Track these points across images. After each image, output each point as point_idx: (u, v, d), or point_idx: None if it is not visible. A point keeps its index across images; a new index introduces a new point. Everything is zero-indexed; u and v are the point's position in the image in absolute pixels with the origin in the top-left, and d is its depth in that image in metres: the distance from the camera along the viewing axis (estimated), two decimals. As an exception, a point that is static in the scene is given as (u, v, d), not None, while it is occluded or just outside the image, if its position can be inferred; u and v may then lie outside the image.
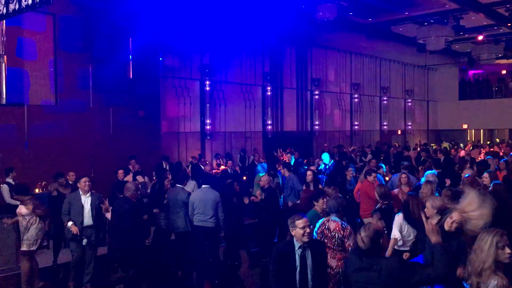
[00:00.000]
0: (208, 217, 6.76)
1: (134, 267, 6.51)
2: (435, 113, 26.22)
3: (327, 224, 4.86)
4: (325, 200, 5.53)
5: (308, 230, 3.93)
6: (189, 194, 7.26)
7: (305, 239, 3.93)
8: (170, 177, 8.59)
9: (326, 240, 4.78)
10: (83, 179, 6.61)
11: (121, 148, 11.24)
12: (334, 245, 4.77)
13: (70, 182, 8.33)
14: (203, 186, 7.11)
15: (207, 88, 14.94)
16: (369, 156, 14.20)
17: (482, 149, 16.87)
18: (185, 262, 7.32)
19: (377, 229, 3.40)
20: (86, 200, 6.55)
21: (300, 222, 3.92)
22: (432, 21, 15.15)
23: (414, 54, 19.85)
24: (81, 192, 6.57)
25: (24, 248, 6.41)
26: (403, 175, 7.77)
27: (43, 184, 9.33)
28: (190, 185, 8.57)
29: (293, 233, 3.96)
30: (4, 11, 6.60)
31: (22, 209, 6.44)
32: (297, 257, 3.95)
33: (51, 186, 8.65)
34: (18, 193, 6.81)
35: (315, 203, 5.64)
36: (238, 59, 16.00)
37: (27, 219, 6.40)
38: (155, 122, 12.83)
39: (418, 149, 16.68)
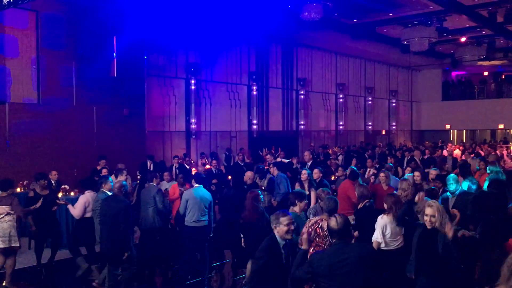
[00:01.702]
0: (203, 216, 6.92)
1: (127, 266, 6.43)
2: (419, 114, 26.53)
3: (320, 223, 4.78)
4: (306, 201, 5.51)
5: (292, 227, 3.95)
6: (159, 190, 7.56)
7: (289, 236, 3.95)
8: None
9: (317, 239, 4.72)
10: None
11: (105, 147, 11.12)
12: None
13: (53, 182, 8.12)
14: (196, 185, 7.12)
15: (193, 87, 14.89)
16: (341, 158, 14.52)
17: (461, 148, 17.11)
18: (156, 258, 7.53)
19: (347, 217, 3.72)
20: None
21: (284, 219, 3.93)
22: (416, 22, 15.31)
23: (398, 55, 20.03)
24: (110, 194, 6.49)
25: None
26: (382, 174, 7.75)
27: (24, 183, 9.16)
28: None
29: (276, 230, 3.94)
30: (-15, 7, 6.49)
31: None
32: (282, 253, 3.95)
33: (33, 185, 8.49)
34: None
35: (297, 203, 5.42)
36: (224, 58, 15.99)
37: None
38: (139, 121, 12.74)
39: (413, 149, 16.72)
